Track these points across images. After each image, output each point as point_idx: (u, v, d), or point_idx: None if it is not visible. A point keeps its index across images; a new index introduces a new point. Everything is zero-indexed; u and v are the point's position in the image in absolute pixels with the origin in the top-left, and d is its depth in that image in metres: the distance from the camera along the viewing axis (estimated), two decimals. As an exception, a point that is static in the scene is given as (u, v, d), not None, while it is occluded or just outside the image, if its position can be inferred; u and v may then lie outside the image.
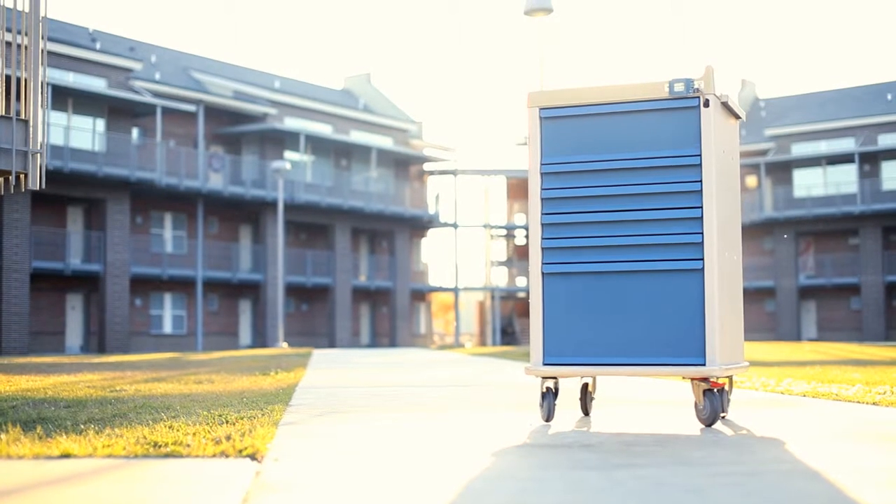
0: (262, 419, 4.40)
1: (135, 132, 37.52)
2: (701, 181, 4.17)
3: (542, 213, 4.38)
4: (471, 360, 15.13)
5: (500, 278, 54.24)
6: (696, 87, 4.18)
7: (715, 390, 4.13)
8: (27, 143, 6.79)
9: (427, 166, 49.81)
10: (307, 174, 42.91)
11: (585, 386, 4.72)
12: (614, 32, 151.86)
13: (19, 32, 6.90)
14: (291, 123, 43.02)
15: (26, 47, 6.83)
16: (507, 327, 52.82)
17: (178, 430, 3.90)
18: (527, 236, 50.99)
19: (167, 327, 38.99)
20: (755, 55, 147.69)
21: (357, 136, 46.18)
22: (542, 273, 4.36)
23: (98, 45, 37.24)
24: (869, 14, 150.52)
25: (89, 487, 2.63)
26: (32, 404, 5.52)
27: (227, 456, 3.20)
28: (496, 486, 2.59)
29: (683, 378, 4.48)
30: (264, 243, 40.69)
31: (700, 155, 4.18)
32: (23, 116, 6.82)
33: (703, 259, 4.14)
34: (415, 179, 49.40)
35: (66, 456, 3.24)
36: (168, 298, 39.17)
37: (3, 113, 6.77)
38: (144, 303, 38.18)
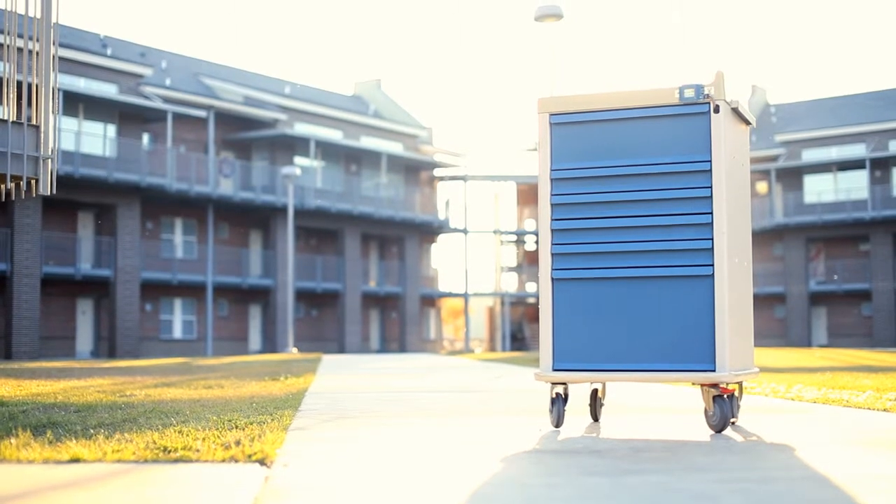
0: (271, 424, 4.41)
1: (145, 138, 37.62)
2: (711, 187, 4.17)
3: (552, 219, 4.38)
4: (480, 366, 15.12)
5: (510, 284, 54.24)
6: (706, 92, 4.18)
7: (725, 396, 4.12)
8: (38, 148, 6.82)
9: (437, 172, 49.82)
10: (317, 180, 42.96)
11: (595, 392, 4.71)
12: (624, 38, 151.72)
13: (31, 38, 6.93)
14: (302, 129, 43.09)
15: (38, 53, 6.86)
16: (516, 333, 52.80)
17: (187, 435, 3.90)
18: (537, 242, 50.94)
19: (177, 332, 39.06)
20: (766, 61, 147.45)
21: (367, 142, 46.24)
22: (552, 279, 4.35)
23: (109, 51, 37.35)
24: (880, 19, 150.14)
25: (99, 492, 2.63)
26: (43, 409, 5.53)
27: (236, 461, 3.20)
28: (505, 492, 2.59)
29: (693, 384, 4.47)
30: (274, 249, 40.75)
31: (710, 161, 4.17)
32: (34, 122, 6.84)
33: (712, 265, 4.13)
34: (425, 185, 49.42)
35: (75, 460, 3.25)
36: (178, 303, 39.24)
37: (15, 118, 6.79)
38: (155, 308, 38.26)
